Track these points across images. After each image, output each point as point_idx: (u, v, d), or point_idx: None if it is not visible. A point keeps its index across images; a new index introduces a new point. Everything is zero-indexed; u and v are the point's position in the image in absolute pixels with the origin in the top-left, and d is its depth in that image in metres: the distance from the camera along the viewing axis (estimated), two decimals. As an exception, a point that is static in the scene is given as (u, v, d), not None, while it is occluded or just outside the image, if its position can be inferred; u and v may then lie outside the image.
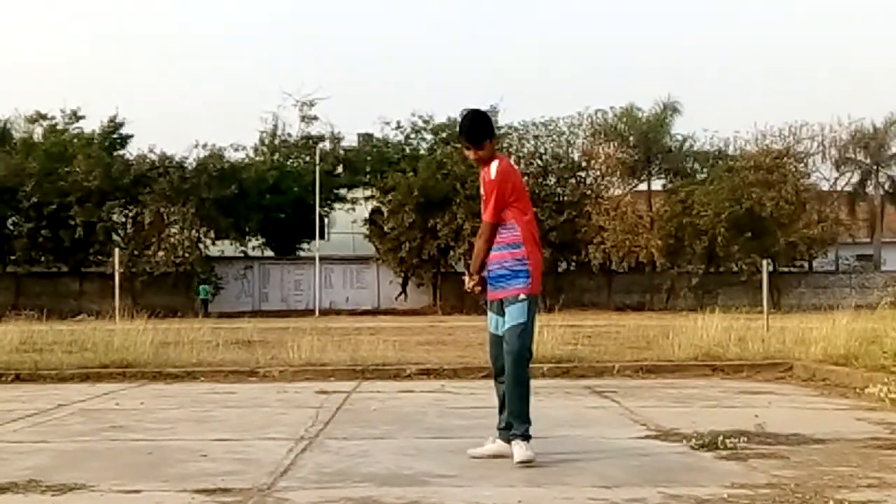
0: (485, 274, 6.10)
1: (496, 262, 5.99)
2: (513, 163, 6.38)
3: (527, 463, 5.64)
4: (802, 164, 44.31)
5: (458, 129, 6.08)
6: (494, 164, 5.99)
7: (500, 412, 6.02)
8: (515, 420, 5.84)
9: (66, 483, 5.26)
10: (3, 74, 75.15)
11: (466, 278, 6.20)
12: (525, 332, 5.89)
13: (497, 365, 6.04)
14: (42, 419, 8.08)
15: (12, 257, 41.65)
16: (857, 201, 48.70)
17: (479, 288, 6.10)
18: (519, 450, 5.72)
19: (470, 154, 6.10)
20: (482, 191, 6.11)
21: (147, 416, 8.20)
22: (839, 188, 47.99)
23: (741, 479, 5.27)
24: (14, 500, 4.92)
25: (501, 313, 5.97)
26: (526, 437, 5.78)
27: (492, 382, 6.29)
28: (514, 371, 5.85)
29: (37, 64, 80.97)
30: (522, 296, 5.88)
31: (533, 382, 6.05)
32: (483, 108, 5.76)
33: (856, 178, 48.28)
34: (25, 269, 41.74)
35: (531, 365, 6.04)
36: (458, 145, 41.02)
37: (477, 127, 6.04)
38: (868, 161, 47.67)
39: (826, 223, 42.47)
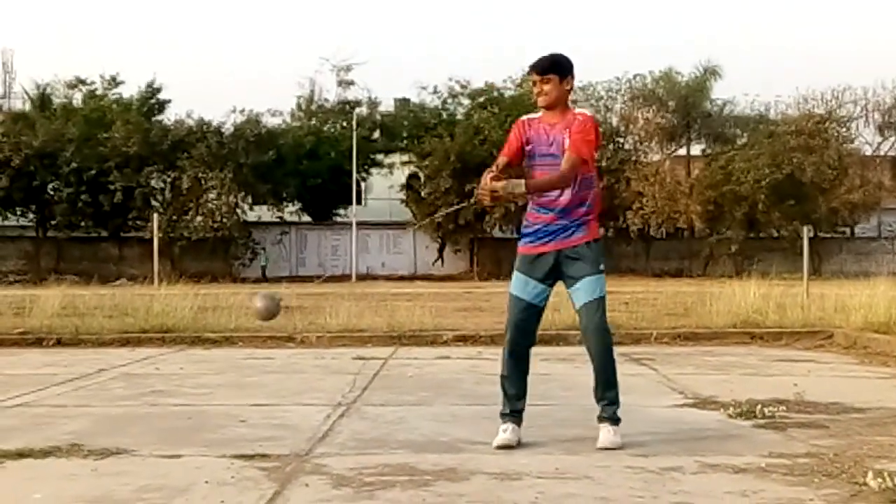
0: (528, 228, 5.59)
1: (559, 219, 5.60)
2: None
3: (616, 449, 5.19)
4: (845, 129, 43.64)
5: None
6: (583, 112, 5.70)
7: (519, 398, 5.44)
8: (613, 398, 5.34)
9: (108, 447, 5.32)
10: (44, 40, 75.72)
11: (488, 178, 5.41)
12: (605, 305, 5.40)
13: (525, 343, 5.52)
14: (84, 383, 8.20)
15: (53, 222, 42.03)
16: (901, 166, 47.92)
17: (487, 198, 5.42)
18: (610, 435, 5.27)
19: (535, 89, 5.51)
20: (535, 143, 5.69)
21: (187, 382, 8.29)
22: (882, 153, 47.27)
23: (779, 448, 5.24)
24: (57, 464, 4.99)
25: (546, 281, 5.48)
26: (617, 420, 5.34)
27: None
28: (608, 350, 5.35)
29: (76, 29, 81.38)
30: (602, 266, 5.43)
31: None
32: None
33: (899, 143, 47.53)
34: (66, 233, 42.16)
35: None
36: (496, 110, 41.31)
37: (548, 58, 5.47)
38: (912, 125, 46.85)
39: (868, 187, 41.88)
